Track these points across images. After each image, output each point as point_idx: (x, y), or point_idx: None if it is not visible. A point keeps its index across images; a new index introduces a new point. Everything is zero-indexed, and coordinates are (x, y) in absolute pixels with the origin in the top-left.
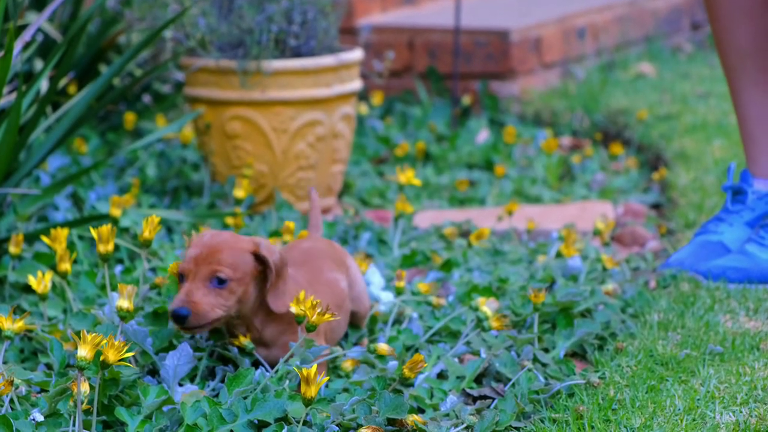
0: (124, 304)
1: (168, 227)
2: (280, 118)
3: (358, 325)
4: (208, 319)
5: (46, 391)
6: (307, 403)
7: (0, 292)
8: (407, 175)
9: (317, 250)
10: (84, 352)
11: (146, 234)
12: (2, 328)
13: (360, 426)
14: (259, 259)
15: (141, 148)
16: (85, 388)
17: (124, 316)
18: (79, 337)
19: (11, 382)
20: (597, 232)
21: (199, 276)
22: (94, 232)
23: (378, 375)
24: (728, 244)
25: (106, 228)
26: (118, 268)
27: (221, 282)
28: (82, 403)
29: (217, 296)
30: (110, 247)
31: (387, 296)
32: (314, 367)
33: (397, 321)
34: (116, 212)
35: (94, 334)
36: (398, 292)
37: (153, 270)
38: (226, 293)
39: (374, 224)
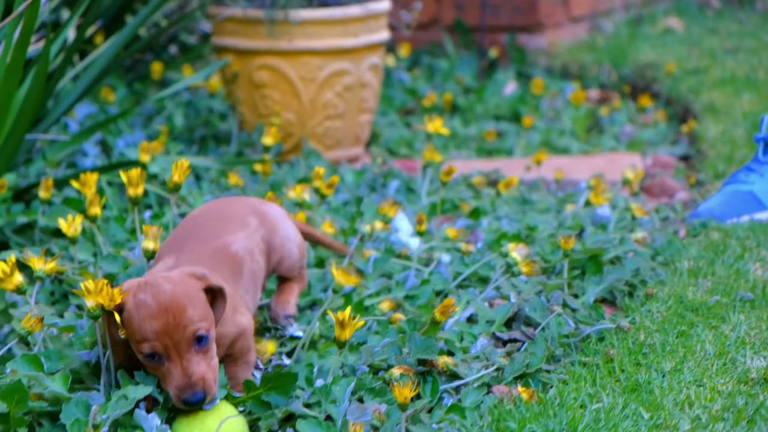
0: (150, 245)
1: (196, 175)
2: (307, 68)
3: (287, 275)
4: (217, 387)
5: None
6: (341, 345)
7: (30, 236)
8: (435, 124)
9: (204, 216)
10: (92, 302)
11: (176, 178)
12: (34, 268)
13: (391, 367)
14: (209, 289)
15: (168, 97)
16: None
17: (150, 257)
18: (85, 290)
19: (41, 320)
20: (626, 182)
21: (183, 347)
22: (123, 176)
23: (409, 317)
24: (759, 195)
25: (135, 171)
26: (147, 214)
27: (201, 340)
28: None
29: (206, 355)
30: (140, 190)
31: (415, 242)
32: (348, 309)
33: (426, 265)
34: (145, 158)
35: (96, 281)
36: (420, 234)
37: (182, 216)
38: (212, 345)
39: (402, 173)
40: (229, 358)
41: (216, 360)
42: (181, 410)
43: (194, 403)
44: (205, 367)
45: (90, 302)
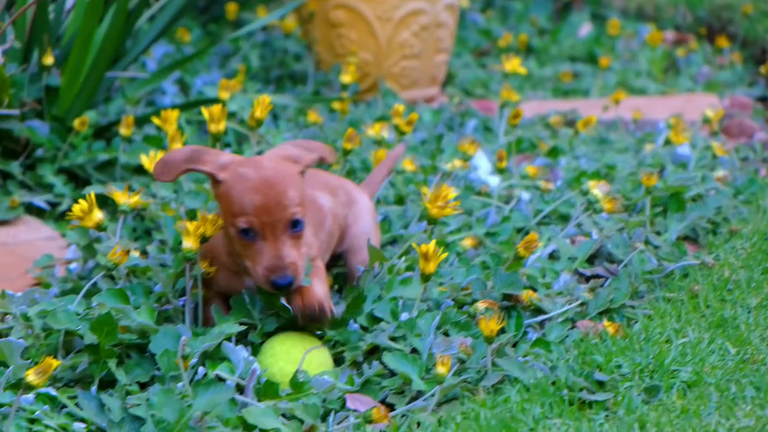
0: None
1: (274, 114)
2: (384, 7)
3: (351, 267)
4: (303, 275)
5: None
6: (426, 278)
7: (111, 173)
8: (513, 64)
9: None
10: (189, 243)
11: (258, 114)
12: (118, 202)
13: (475, 301)
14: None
15: (243, 37)
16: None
17: None
18: (184, 230)
19: (128, 252)
20: (706, 121)
21: (279, 227)
22: (205, 112)
23: (492, 252)
24: None
25: (217, 107)
26: (227, 151)
27: (297, 224)
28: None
29: (298, 241)
30: (221, 126)
31: (494, 180)
32: (433, 242)
33: (506, 203)
34: (225, 95)
35: (196, 223)
36: (500, 172)
37: (261, 153)
38: (304, 233)
39: (479, 113)
40: None
41: (305, 249)
42: (268, 334)
43: (282, 287)
44: (297, 254)
45: (187, 243)
